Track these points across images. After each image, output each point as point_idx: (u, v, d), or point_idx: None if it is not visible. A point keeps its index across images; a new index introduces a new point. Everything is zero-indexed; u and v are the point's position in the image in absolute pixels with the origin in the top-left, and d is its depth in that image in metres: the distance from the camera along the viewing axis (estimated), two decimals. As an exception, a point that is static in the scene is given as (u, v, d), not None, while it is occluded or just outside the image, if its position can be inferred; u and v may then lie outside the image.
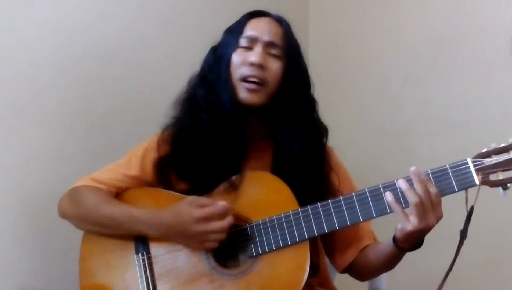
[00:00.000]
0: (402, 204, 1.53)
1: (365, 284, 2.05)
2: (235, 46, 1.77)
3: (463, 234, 1.55)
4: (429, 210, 1.49)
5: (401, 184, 1.52)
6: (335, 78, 3.02)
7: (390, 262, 1.73)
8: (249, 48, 1.76)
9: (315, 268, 1.69)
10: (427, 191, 1.49)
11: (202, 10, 2.65)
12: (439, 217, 1.52)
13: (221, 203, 1.65)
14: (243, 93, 1.74)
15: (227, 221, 1.64)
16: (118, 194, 1.84)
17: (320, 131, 1.85)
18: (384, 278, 2.02)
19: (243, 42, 1.76)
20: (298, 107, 1.79)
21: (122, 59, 2.37)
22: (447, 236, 1.62)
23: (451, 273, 1.56)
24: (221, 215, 1.64)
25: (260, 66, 1.74)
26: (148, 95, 2.43)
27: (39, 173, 2.11)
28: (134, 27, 2.42)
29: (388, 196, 1.53)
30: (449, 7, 2.68)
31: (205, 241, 1.65)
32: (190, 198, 1.69)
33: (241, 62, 1.75)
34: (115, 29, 2.35)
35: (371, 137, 2.92)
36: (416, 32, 2.79)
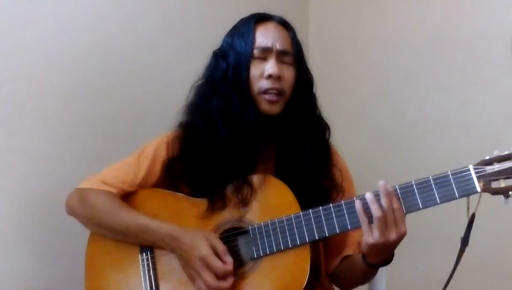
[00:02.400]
0: (370, 214, 1.54)
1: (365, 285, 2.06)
2: (249, 56, 1.75)
3: (464, 241, 1.55)
4: (391, 225, 1.51)
5: (368, 197, 1.54)
6: (335, 78, 3.01)
7: (360, 276, 1.76)
8: (263, 59, 1.76)
9: (317, 271, 1.70)
10: (391, 206, 1.51)
11: (203, 12, 2.65)
12: (401, 234, 1.53)
13: (229, 267, 1.64)
14: (265, 105, 1.76)
15: (220, 284, 1.63)
16: (126, 195, 1.85)
17: (323, 128, 1.87)
18: (384, 281, 2.02)
19: (257, 52, 1.76)
20: (307, 110, 1.83)
21: (123, 60, 2.37)
22: (448, 239, 1.63)
23: (452, 280, 1.57)
24: (220, 275, 1.64)
25: (278, 78, 1.75)
26: (149, 96, 2.43)
27: (40, 173, 2.11)
28: (135, 28, 2.42)
29: (358, 204, 1.55)
30: (449, 8, 2.68)
31: (194, 278, 1.66)
32: (213, 235, 1.70)
33: (259, 75, 1.75)
34: (117, 30, 2.35)
35: (371, 138, 2.93)
36: (416, 32, 2.80)
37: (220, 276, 1.63)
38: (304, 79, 1.84)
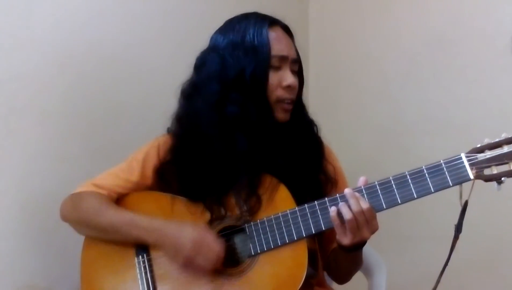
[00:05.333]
0: (343, 218, 1.56)
1: (365, 284, 2.06)
2: (268, 64, 1.73)
3: (458, 228, 1.56)
4: (364, 225, 1.55)
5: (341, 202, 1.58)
6: (335, 78, 3.01)
7: (341, 264, 1.79)
8: (278, 67, 1.75)
9: (315, 265, 1.70)
10: (360, 207, 1.54)
11: (202, 10, 2.65)
12: (374, 230, 1.58)
13: (221, 247, 1.66)
14: (281, 113, 1.76)
15: (218, 258, 1.65)
16: (119, 198, 1.85)
17: (312, 125, 1.87)
18: (384, 278, 2.02)
19: (274, 61, 1.74)
20: (302, 111, 1.85)
21: (123, 59, 2.37)
22: (444, 234, 1.63)
23: (447, 268, 1.57)
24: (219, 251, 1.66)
25: (295, 88, 1.77)
26: (149, 95, 2.43)
27: (40, 173, 2.11)
28: (134, 27, 2.42)
29: (332, 211, 1.57)
30: (449, 7, 2.68)
31: (191, 262, 1.66)
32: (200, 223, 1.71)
33: (277, 84, 1.74)
34: (116, 29, 2.35)
35: (371, 137, 2.93)
36: (416, 32, 2.79)
37: (218, 252, 1.65)
38: (302, 84, 1.86)
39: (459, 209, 1.54)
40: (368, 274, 2.07)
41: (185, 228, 1.69)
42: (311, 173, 1.79)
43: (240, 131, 1.71)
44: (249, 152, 1.71)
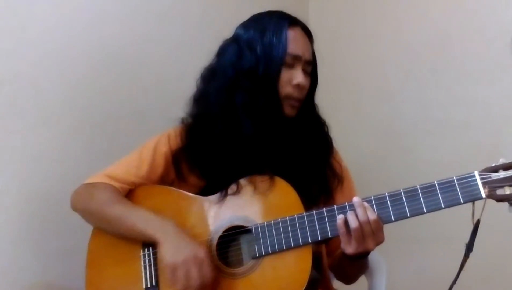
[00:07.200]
0: (349, 227, 1.58)
1: (365, 284, 2.07)
2: (283, 60, 1.77)
3: (469, 247, 1.56)
4: (369, 235, 1.57)
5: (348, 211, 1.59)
6: (335, 78, 2.99)
7: (345, 269, 1.81)
8: (291, 65, 1.79)
9: (319, 269, 1.71)
10: (366, 217, 1.55)
11: (203, 10, 2.65)
12: (379, 242, 1.59)
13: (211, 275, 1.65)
14: (288, 108, 1.80)
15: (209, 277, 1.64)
16: (131, 190, 1.86)
17: (322, 123, 1.91)
18: (384, 279, 2.03)
19: (288, 58, 1.78)
20: (311, 110, 1.89)
21: (124, 59, 2.36)
22: (448, 239, 1.64)
23: (455, 286, 1.58)
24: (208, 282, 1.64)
25: (304, 88, 1.80)
26: (150, 95, 2.42)
27: (40, 173, 2.10)
28: (135, 27, 2.41)
29: (339, 218, 1.59)
30: (449, 7, 2.69)
31: (183, 274, 1.63)
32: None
33: (287, 81, 1.78)
34: (117, 28, 2.35)
35: (371, 137, 2.94)
36: (416, 32, 2.80)
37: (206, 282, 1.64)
38: (315, 85, 1.89)
39: (464, 211, 1.53)
40: (368, 274, 2.08)
41: (183, 246, 1.67)
42: (318, 166, 1.83)
43: (246, 117, 1.76)
44: (254, 137, 1.75)
